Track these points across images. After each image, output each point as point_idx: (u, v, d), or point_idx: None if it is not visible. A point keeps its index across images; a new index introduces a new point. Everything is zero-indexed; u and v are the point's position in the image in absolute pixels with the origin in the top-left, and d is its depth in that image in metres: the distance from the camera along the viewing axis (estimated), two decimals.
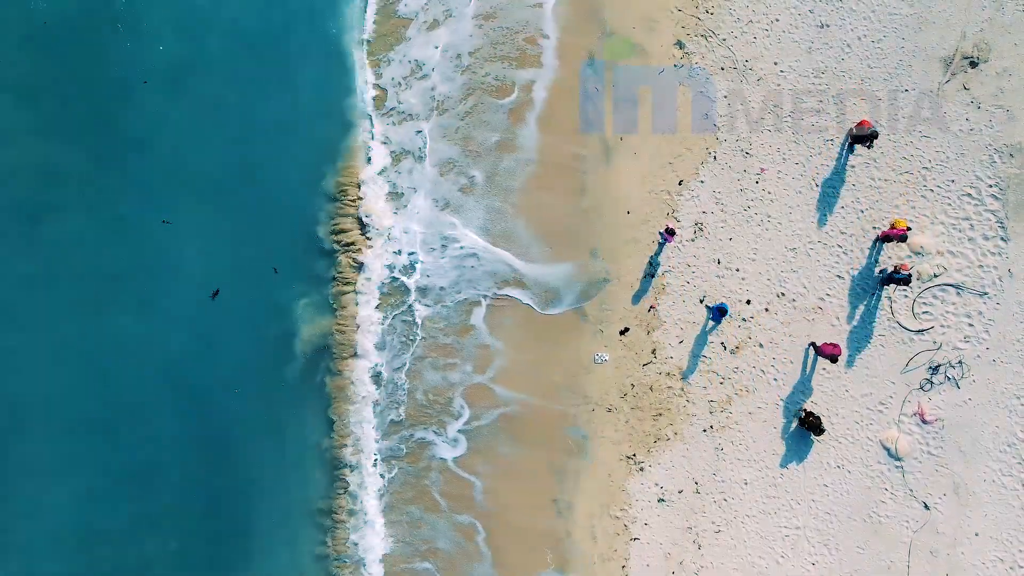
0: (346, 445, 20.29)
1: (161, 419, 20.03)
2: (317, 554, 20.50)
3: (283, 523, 20.31)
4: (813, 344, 18.82)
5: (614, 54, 19.75)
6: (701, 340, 19.30)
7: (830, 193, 19.04)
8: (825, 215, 19.04)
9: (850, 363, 18.93)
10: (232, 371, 20.05)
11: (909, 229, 18.05)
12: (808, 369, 18.92)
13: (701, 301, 19.21)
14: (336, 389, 20.32)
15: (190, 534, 20.12)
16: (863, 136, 18.16)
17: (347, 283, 20.22)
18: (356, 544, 20.24)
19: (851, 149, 18.89)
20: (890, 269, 18.39)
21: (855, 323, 18.92)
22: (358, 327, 20.17)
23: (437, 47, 20.17)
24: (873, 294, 18.76)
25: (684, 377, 19.31)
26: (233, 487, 20.13)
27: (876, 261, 18.83)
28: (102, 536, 19.94)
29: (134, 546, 19.96)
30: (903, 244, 18.50)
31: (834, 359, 17.78)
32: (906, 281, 17.83)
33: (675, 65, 19.60)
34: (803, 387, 19.00)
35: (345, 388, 20.26)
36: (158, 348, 19.98)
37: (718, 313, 18.75)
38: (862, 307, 18.92)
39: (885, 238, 18.38)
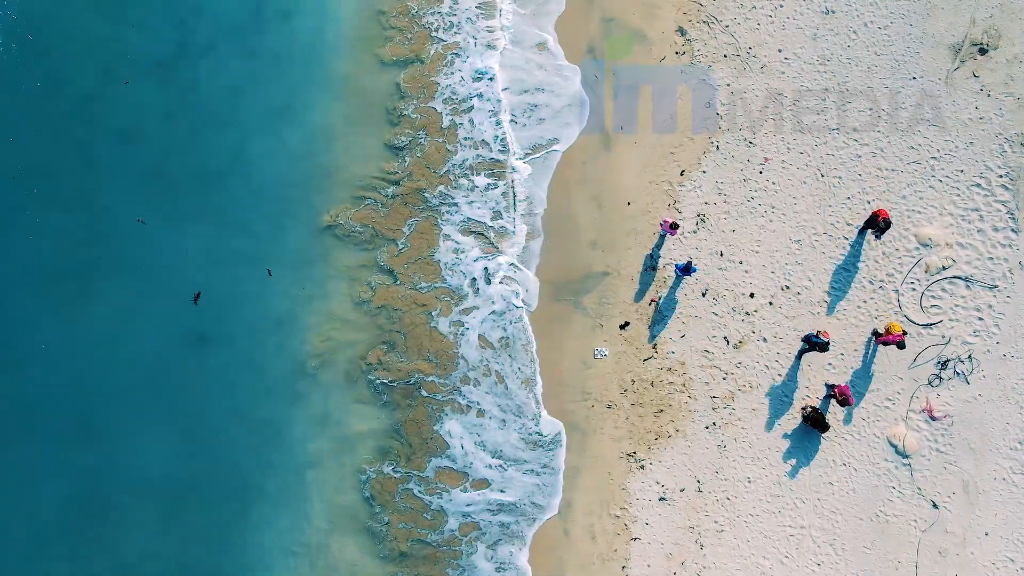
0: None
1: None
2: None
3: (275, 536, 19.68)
4: (827, 385, 18.43)
5: (615, 53, 19.28)
6: (671, 302, 18.80)
7: (836, 184, 18.62)
8: (831, 207, 18.62)
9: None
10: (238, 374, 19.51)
11: (906, 334, 17.46)
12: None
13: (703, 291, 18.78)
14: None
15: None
16: (877, 226, 17.59)
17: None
18: None
19: (862, 233, 18.42)
20: (814, 333, 17.87)
21: (861, 317, 18.43)
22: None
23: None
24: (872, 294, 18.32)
25: (652, 336, 18.81)
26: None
27: (872, 363, 18.34)
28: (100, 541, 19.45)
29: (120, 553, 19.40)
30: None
31: (844, 402, 17.55)
32: (824, 347, 17.47)
33: (676, 53, 19.18)
34: (808, 383, 18.52)
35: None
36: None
37: (683, 270, 18.13)
38: (868, 301, 18.45)
39: (883, 343, 17.72)
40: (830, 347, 17.80)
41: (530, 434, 19.06)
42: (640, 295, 19.03)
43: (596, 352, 19.13)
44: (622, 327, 19.07)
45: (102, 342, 19.31)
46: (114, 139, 19.55)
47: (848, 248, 18.51)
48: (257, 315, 19.29)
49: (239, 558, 19.13)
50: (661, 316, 18.95)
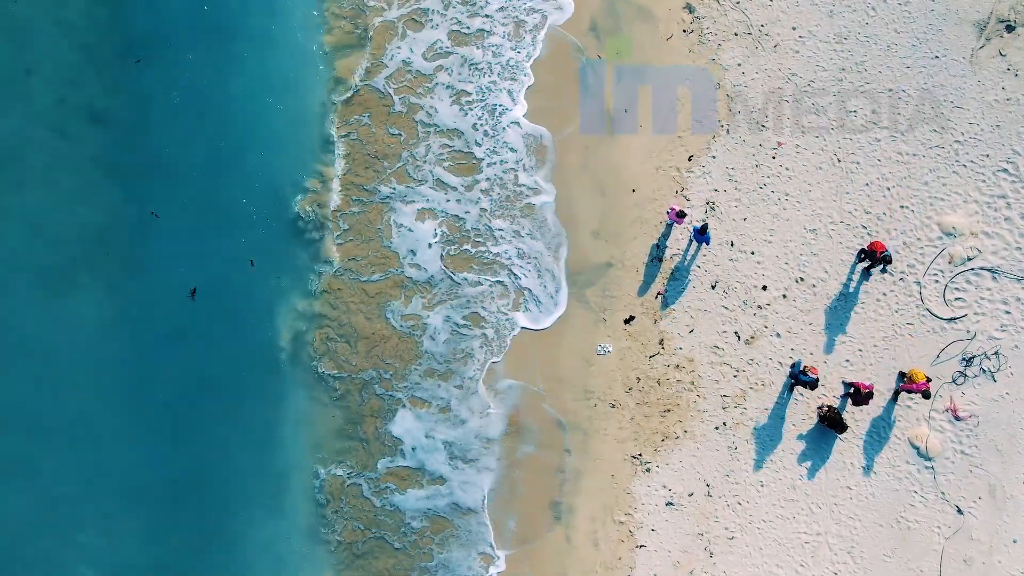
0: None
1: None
2: None
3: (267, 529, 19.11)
4: (844, 383, 17.54)
5: (616, 52, 18.43)
6: (678, 295, 17.89)
7: (854, 170, 17.71)
8: (848, 194, 17.72)
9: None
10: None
11: (930, 381, 16.46)
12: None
13: (713, 287, 17.87)
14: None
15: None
16: (875, 259, 16.65)
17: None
18: None
19: (867, 273, 17.46)
20: (800, 368, 17.00)
21: (881, 311, 17.53)
22: None
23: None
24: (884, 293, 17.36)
25: (664, 306, 18.03)
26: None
27: (893, 420, 17.38)
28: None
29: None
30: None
31: (868, 396, 16.61)
32: (812, 385, 16.58)
33: (684, 31, 18.30)
34: (825, 381, 17.60)
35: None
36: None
37: (698, 234, 17.21)
38: (888, 293, 17.54)
39: (906, 391, 16.75)
40: (819, 384, 16.91)
41: (482, 429, 18.67)
42: (645, 288, 18.24)
43: (599, 348, 18.37)
44: (627, 322, 18.28)
45: (96, 339, 18.98)
46: (91, 125, 19.03)
47: (867, 238, 17.58)
48: (240, 308, 18.97)
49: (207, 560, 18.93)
50: (668, 310, 18.10)
